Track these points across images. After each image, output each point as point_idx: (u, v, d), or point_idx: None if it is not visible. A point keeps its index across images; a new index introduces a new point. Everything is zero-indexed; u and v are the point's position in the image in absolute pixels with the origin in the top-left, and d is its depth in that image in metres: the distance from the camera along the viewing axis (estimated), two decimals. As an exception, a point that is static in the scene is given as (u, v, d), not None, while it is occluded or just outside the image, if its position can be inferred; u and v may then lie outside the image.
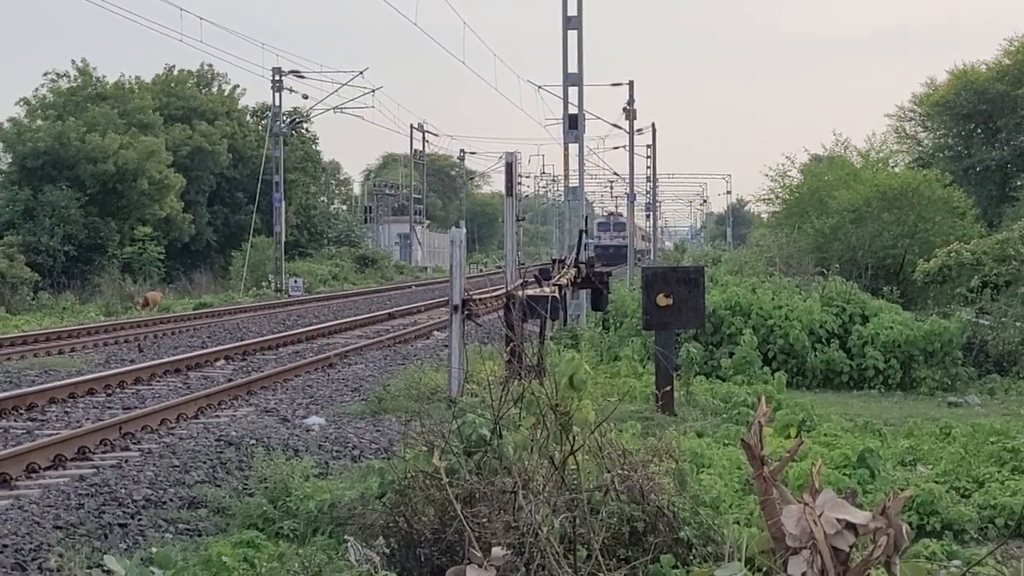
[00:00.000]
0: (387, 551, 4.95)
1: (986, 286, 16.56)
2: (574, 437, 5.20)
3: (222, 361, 15.24)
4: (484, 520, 4.63)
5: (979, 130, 32.95)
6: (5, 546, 5.30)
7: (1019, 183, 28.85)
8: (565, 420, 5.31)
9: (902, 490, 5.00)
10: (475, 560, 3.92)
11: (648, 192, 53.90)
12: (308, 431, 9.19)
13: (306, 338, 18.89)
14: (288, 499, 5.82)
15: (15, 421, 10.06)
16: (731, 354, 12.74)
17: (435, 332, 19.65)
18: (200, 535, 5.71)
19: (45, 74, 37.88)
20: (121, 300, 25.88)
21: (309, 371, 14.06)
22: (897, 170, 28.58)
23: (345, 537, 4.91)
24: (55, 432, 9.13)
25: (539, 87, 31.11)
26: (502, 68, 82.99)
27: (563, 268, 14.38)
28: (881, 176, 25.68)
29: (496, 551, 3.78)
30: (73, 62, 39.59)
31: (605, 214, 67.11)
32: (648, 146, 48.28)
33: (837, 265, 19.14)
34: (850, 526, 3.04)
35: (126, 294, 26.81)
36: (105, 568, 4.81)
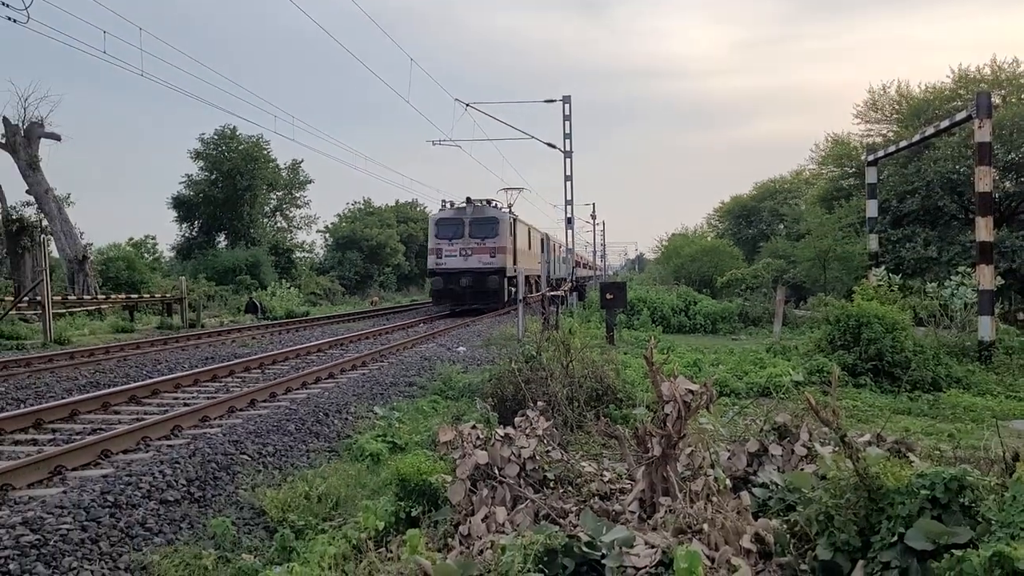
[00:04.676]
0: (491, 405, 9.63)
1: (747, 288, 34.73)
2: (571, 353, 11.19)
3: (422, 325, 24.80)
4: (533, 390, 9.63)
5: (742, 221, 65.51)
6: (330, 403, 11.61)
7: (762, 245, 52.46)
8: (567, 347, 11.29)
9: (712, 376, 11.04)
10: (531, 408, 9.47)
11: (600, 246, 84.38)
12: (458, 353, 16.75)
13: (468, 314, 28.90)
14: (451, 382, 12.26)
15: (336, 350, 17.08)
16: (638, 319, 25.65)
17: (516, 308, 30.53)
18: (414, 398, 11.88)
19: (347, 203, 70.73)
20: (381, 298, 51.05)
21: (460, 328, 23.04)
22: (709, 238, 58.36)
23: (475, 398, 10.86)
24: (359, 354, 15.98)
25: (555, 205, 36.99)
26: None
27: (565, 283, 30.85)
28: (700, 242, 53.41)
29: (540, 404, 7.57)
30: (364, 199, 75.79)
31: (452, 205, 32.84)
32: (601, 231, 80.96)
33: (682, 280, 40.83)
34: (690, 391, 5.35)
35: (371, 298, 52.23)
36: (375, 412, 11.14)
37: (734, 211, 68.10)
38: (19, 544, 5.45)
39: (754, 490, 5.46)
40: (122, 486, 6.82)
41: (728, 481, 5.52)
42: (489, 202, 33.09)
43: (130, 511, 6.28)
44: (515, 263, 32.48)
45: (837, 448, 5.24)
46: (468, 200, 32.56)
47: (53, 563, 5.23)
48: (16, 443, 8.43)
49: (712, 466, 5.69)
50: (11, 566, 5.10)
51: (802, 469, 5.60)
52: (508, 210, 33.59)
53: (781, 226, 58.25)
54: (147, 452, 8.25)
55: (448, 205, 32.61)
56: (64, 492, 6.69)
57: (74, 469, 7.47)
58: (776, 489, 5.35)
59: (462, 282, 30.43)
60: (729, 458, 6.10)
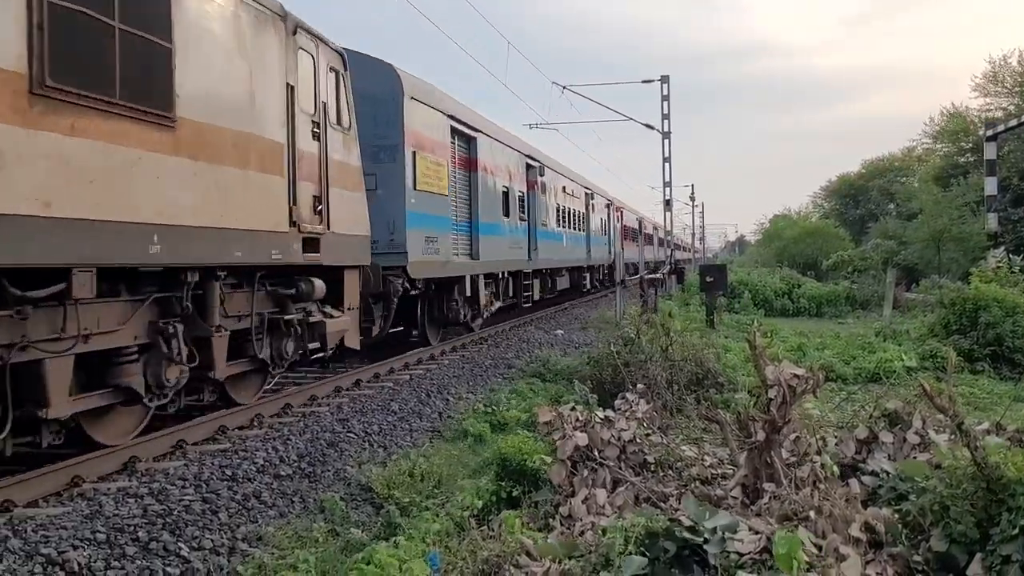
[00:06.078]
0: (589, 387, 9.45)
1: (855, 270, 33.65)
2: (671, 336, 11.10)
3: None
4: (632, 373, 9.59)
5: (849, 201, 64.08)
6: (432, 384, 11.71)
7: (870, 226, 49.83)
8: (667, 329, 11.17)
9: (818, 360, 10.78)
10: (630, 391, 9.50)
11: (699, 228, 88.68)
12: (556, 336, 16.61)
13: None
14: (549, 365, 12.34)
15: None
16: (740, 302, 24.95)
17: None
18: (512, 380, 12.09)
19: None
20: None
21: (557, 313, 23.38)
22: (813, 219, 60.60)
23: (573, 380, 10.81)
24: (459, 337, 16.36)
25: (652, 188, 34.09)
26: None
27: (664, 266, 28.59)
28: (804, 223, 55.09)
29: (639, 387, 8.04)
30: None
31: None
32: (700, 213, 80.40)
33: (785, 262, 40.46)
34: (795, 376, 5.19)
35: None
36: (475, 393, 11.29)
37: (841, 191, 67.47)
38: (147, 513, 5.81)
39: (863, 478, 5.31)
40: (238, 460, 7.17)
41: (836, 468, 5.39)
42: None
43: (246, 484, 6.60)
44: None
45: (953, 436, 5.04)
46: None
47: (177, 531, 5.56)
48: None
49: (819, 453, 5.55)
50: (140, 533, 5.45)
51: (915, 458, 5.41)
52: None
53: (891, 206, 55.81)
54: (260, 429, 8.62)
55: None
56: (185, 465, 7.08)
57: (194, 444, 7.88)
58: (887, 478, 5.19)
59: None
60: (836, 445, 5.94)
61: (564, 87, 28.23)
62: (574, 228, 26.54)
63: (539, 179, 21.03)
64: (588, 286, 30.36)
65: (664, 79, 27.70)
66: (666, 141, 27.81)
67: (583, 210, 28.42)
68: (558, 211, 23.67)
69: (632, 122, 29.50)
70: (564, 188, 24.74)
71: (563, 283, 25.13)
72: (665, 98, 27.65)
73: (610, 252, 33.21)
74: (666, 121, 27.77)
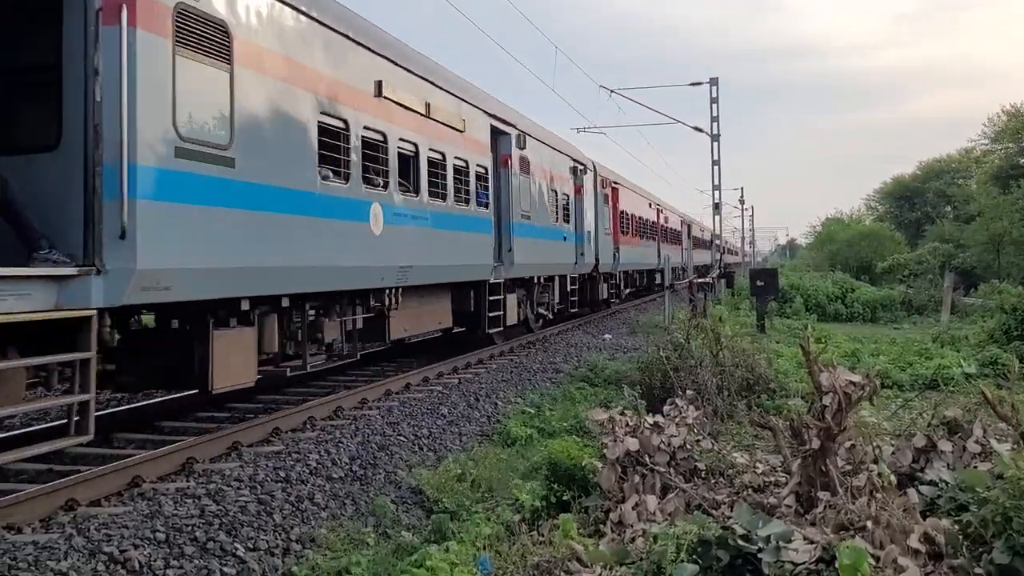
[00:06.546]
0: (638, 393, 9.17)
1: (910, 274, 33.77)
2: (721, 341, 10.99)
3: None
4: (681, 378, 9.51)
5: (904, 204, 64.24)
6: (480, 388, 11.77)
7: (927, 229, 51.68)
8: (717, 334, 11.07)
9: (873, 366, 10.54)
10: (679, 396, 9.34)
11: (748, 231, 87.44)
12: (604, 340, 16.65)
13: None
14: (597, 369, 12.32)
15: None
16: (791, 306, 25.03)
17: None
18: (560, 384, 12.11)
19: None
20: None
21: (606, 318, 23.22)
22: (866, 222, 59.25)
23: (623, 385, 10.80)
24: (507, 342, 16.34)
25: (701, 191, 31.89)
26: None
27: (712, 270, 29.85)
28: (857, 226, 53.84)
29: (689, 392, 7.94)
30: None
31: None
32: (750, 216, 78.19)
33: (838, 266, 39.65)
34: (851, 382, 5.24)
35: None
36: (523, 397, 11.32)
37: (895, 193, 66.37)
38: (204, 513, 5.94)
39: (921, 488, 5.20)
40: (292, 462, 7.29)
41: (893, 477, 5.30)
42: None
43: (299, 486, 6.70)
44: None
45: (1016, 446, 4.91)
46: None
47: (233, 532, 5.67)
48: (199, 420, 9.15)
49: (875, 461, 5.46)
50: (197, 533, 5.57)
51: (975, 467, 5.29)
52: None
53: (948, 208, 54.56)
54: (313, 431, 8.75)
55: None
56: (241, 467, 7.21)
57: (249, 445, 8.03)
58: (946, 488, 5.08)
59: None
60: (893, 453, 5.84)
61: (612, 91, 28.15)
62: (466, 201, 12.68)
63: (251, 16, 7.46)
64: (512, 320, 15.03)
65: (713, 81, 27.49)
66: (715, 144, 27.58)
67: (489, 167, 13.87)
68: (369, 149, 9.76)
69: (680, 125, 29.27)
70: (408, 102, 10.62)
71: (426, 320, 12.37)
72: (714, 100, 27.43)
73: (582, 255, 19.76)
74: (715, 124, 27.55)
